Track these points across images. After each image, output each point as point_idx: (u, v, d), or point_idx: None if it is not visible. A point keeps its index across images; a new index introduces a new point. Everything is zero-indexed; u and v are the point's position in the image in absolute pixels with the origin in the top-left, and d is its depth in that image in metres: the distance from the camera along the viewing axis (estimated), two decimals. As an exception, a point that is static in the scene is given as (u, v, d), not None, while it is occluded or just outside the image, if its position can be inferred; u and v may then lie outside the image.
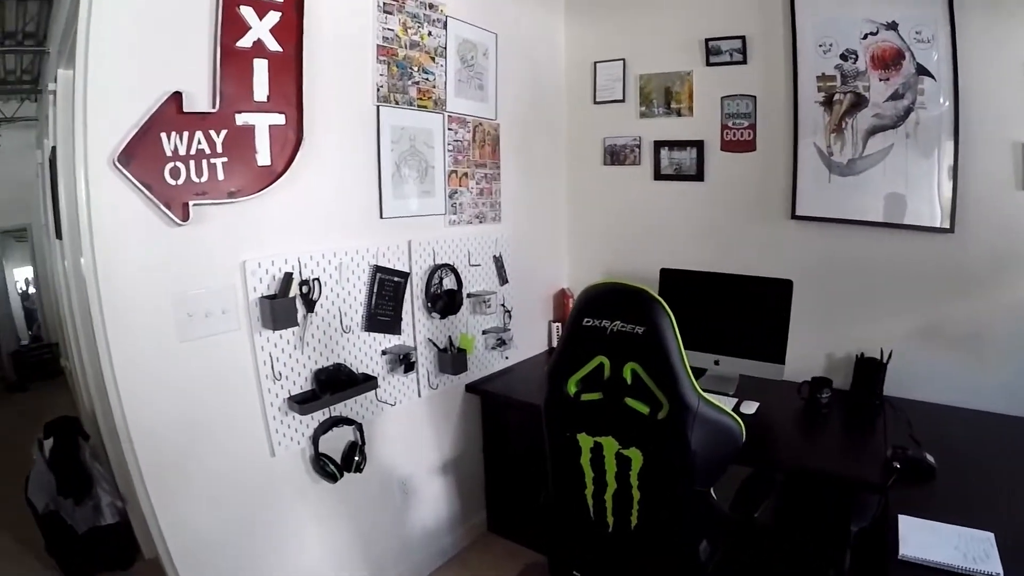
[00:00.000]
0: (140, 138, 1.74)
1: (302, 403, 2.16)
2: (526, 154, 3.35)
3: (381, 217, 2.52)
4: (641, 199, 3.43)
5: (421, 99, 2.65)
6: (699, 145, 3.18)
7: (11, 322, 6.50)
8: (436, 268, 2.74)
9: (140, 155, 1.75)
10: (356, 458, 2.36)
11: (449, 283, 2.84)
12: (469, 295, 2.96)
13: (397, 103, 2.54)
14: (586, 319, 1.70)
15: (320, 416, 2.29)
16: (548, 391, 1.84)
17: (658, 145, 3.32)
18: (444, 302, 2.75)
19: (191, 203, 1.87)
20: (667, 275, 3.03)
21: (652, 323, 1.59)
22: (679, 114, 3.23)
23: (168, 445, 1.89)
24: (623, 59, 3.38)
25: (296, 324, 2.15)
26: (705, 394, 1.64)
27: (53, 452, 3.15)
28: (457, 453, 3.08)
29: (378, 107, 2.46)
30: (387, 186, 2.52)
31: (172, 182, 1.82)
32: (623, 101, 3.42)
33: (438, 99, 2.74)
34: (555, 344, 3.57)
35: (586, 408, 1.75)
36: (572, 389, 1.76)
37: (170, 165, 1.81)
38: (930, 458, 1.99)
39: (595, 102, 3.52)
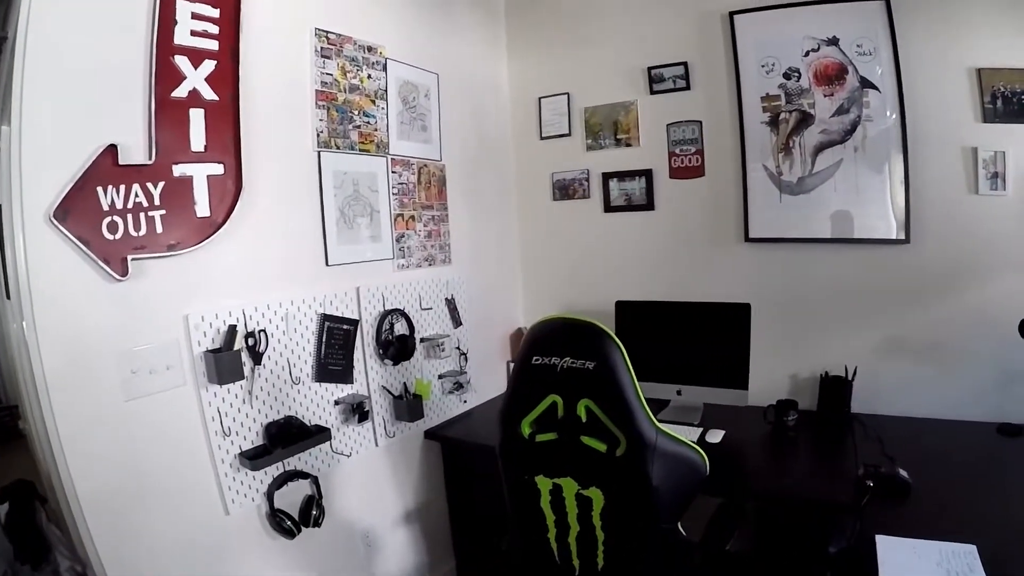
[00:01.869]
0: (76, 192, 1.74)
1: (253, 459, 2.15)
2: (474, 193, 3.38)
3: (327, 264, 2.53)
4: (593, 232, 3.48)
5: (363, 143, 2.69)
6: (647, 174, 3.26)
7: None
8: (386, 314, 2.75)
9: (76, 210, 1.74)
10: (314, 512, 2.33)
11: (400, 328, 2.85)
12: (422, 339, 2.97)
13: (338, 148, 2.57)
14: (535, 357, 1.70)
15: (274, 471, 2.27)
16: (501, 434, 1.84)
17: (606, 177, 3.38)
18: (396, 348, 2.75)
19: (130, 258, 1.86)
20: (623, 307, 3.08)
21: (602, 357, 1.59)
22: (626, 144, 3.32)
23: (117, 508, 1.86)
24: (567, 93, 3.47)
25: (243, 377, 2.14)
26: (663, 426, 1.65)
27: (9, 517, 3.00)
28: (421, 501, 3.05)
29: (319, 152, 2.49)
30: (332, 233, 2.54)
31: (110, 236, 1.82)
32: (569, 135, 3.49)
33: (380, 142, 2.78)
34: None
35: (542, 449, 1.74)
36: (526, 430, 1.75)
37: (107, 219, 1.81)
38: (904, 473, 2.01)
39: (541, 137, 3.60)
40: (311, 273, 2.49)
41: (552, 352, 1.67)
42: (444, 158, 3.16)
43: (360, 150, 2.68)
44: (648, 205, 3.28)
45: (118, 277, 1.84)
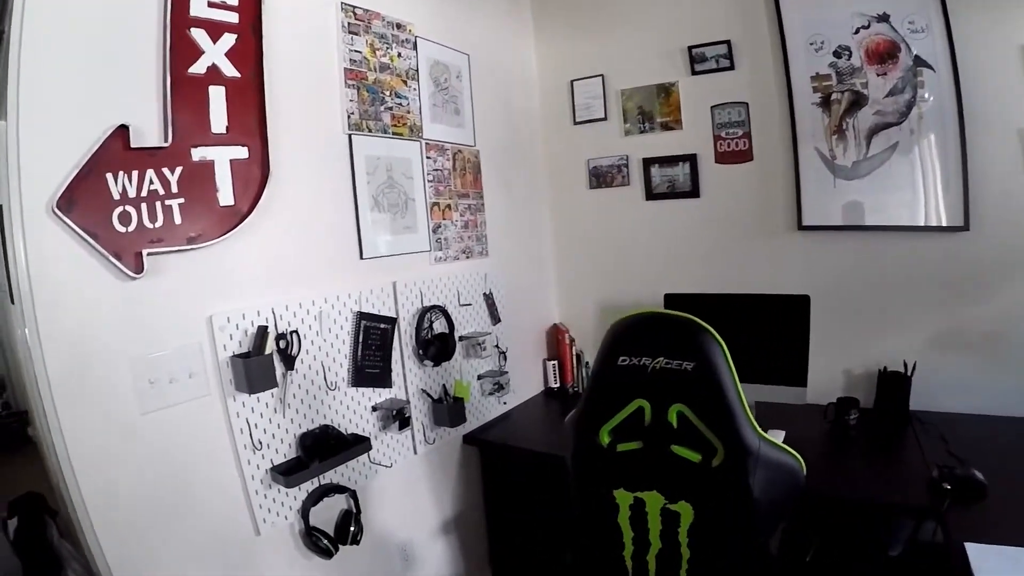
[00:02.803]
0: (82, 180, 1.55)
1: (287, 474, 1.94)
2: (508, 181, 3.22)
3: (361, 257, 2.34)
4: (634, 221, 3.30)
5: (396, 126, 2.49)
6: (692, 159, 3.06)
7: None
8: (425, 311, 2.55)
9: (83, 199, 1.56)
10: (352, 528, 2.14)
11: (440, 326, 2.65)
12: (461, 338, 2.78)
13: (370, 131, 2.37)
14: (621, 357, 1.53)
15: (308, 486, 2.07)
16: (576, 443, 1.67)
17: (647, 163, 3.19)
18: (437, 348, 2.55)
19: (145, 252, 1.66)
20: (673, 301, 2.87)
21: (703, 357, 1.43)
22: (667, 128, 3.12)
23: (135, 533, 1.67)
24: (601, 75, 3.28)
25: (275, 385, 1.93)
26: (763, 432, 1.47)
27: (18, 533, 2.90)
28: (459, 510, 2.88)
29: (350, 136, 2.29)
30: (366, 222, 2.34)
31: (122, 229, 1.62)
32: (605, 119, 3.30)
33: (414, 125, 2.58)
34: (552, 384, 3.43)
35: (623, 460, 1.58)
36: (605, 439, 1.59)
37: (118, 210, 1.62)
38: (979, 475, 1.86)
39: (575, 122, 3.40)
40: (345, 267, 2.29)
41: (642, 351, 1.50)
42: (478, 143, 2.98)
43: (393, 133, 2.48)
44: (693, 192, 3.09)
45: (132, 274, 1.64)
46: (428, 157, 2.65)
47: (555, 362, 3.42)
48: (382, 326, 2.37)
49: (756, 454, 1.42)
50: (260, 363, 1.86)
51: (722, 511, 1.49)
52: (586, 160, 3.39)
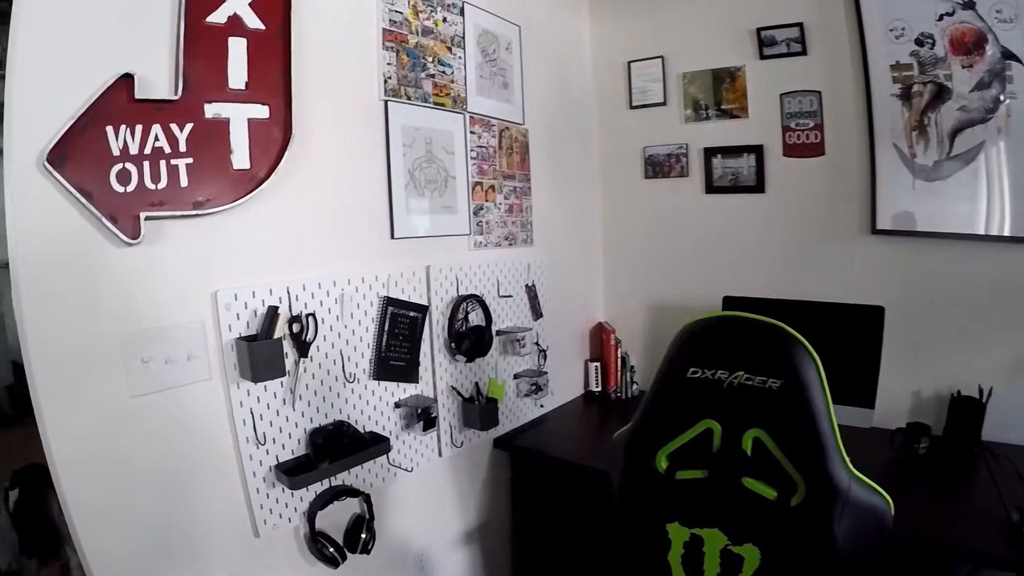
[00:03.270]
0: (78, 132, 1.38)
1: (292, 473, 1.74)
2: (557, 166, 3.00)
3: (392, 237, 2.13)
4: (691, 216, 3.06)
5: (438, 95, 2.28)
6: (757, 151, 2.83)
7: (7, 354, 6.22)
8: (461, 300, 2.34)
9: (78, 154, 1.38)
10: (363, 535, 1.94)
11: (476, 318, 2.43)
12: (499, 332, 2.56)
13: (409, 99, 2.17)
14: (692, 369, 1.30)
15: (318, 486, 1.87)
16: (626, 465, 1.45)
17: (709, 153, 2.96)
18: (471, 341, 2.34)
19: (143, 215, 1.48)
20: (732, 305, 2.65)
21: (793, 373, 1.20)
22: (732, 116, 2.89)
23: (119, 530, 1.49)
24: (661, 57, 3.05)
25: (284, 373, 1.72)
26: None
27: (17, 505, 2.84)
28: (483, 519, 2.66)
29: (386, 102, 2.09)
30: (399, 199, 2.13)
31: (119, 188, 1.44)
32: (664, 104, 3.08)
33: (457, 96, 2.37)
34: (593, 388, 3.20)
35: (683, 490, 1.37)
36: (663, 465, 1.38)
37: (117, 167, 1.44)
38: None
39: (631, 107, 3.18)
40: (373, 246, 2.09)
41: (719, 363, 1.28)
42: (527, 122, 2.76)
43: (434, 103, 2.27)
44: (758, 187, 2.85)
45: (127, 239, 1.45)
46: (472, 132, 2.45)
47: (597, 364, 3.19)
48: (411, 314, 2.16)
49: (845, 495, 1.19)
50: (267, 348, 1.65)
51: (795, 560, 1.25)
52: (642, 148, 3.17)
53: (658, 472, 1.37)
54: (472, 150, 2.44)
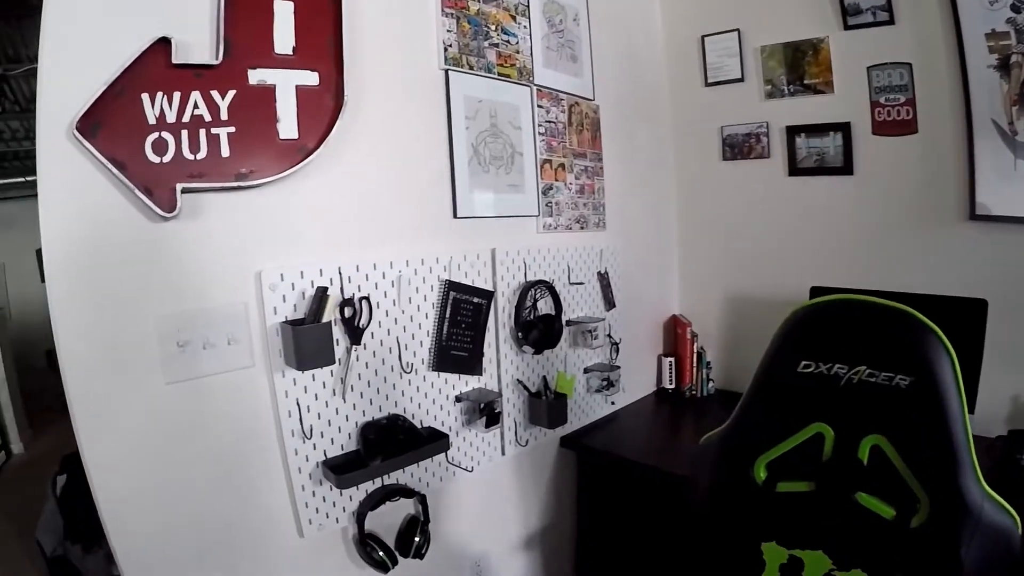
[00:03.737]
0: (112, 99, 1.28)
1: (340, 471, 1.60)
2: (629, 145, 2.81)
3: (455, 216, 1.98)
4: (774, 200, 2.85)
5: (502, 65, 2.12)
6: (844, 129, 2.61)
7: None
8: (529, 286, 2.17)
9: (111, 122, 1.29)
10: (417, 539, 1.80)
11: (545, 306, 2.26)
12: (569, 322, 2.38)
13: (471, 68, 2.01)
14: (804, 362, 1.12)
15: (369, 485, 1.74)
16: (716, 473, 1.28)
17: (792, 131, 2.75)
18: (540, 332, 2.17)
19: (180, 187, 1.36)
20: (819, 295, 2.36)
21: (927, 370, 1.01)
22: (816, 91, 2.67)
23: (152, 525, 1.39)
24: (737, 30, 2.85)
25: (331, 361, 1.58)
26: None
27: (65, 490, 2.92)
28: (545, 523, 2.49)
29: (447, 71, 1.94)
30: (462, 175, 1.98)
31: (155, 159, 1.34)
32: (742, 80, 2.88)
33: (523, 68, 2.20)
34: (666, 385, 2.99)
35: (783, 505, 1.20)
36: (761, 474, 1.21)
37: (153, 136, 1.34)
38: None
39: (706, 84, 2.99)
40: (434, 226, 1.94)
41: (837, 355, 1.10)
42: (597, 98, 2.58)
43: (499, 74, 2.11)
44: (845, 168, 2.63)
45: (163, 213, 1.34)
46: (540, 106, 2.28)
47: (672, 359, 2.98)
48: (475, 300, 2.00)
49: (977, 516, 0.99)
50: (315, 333, 1.51)
51: (912, 588, 1.05)
52: (719, 127, 2.98)
53: (755, 483, 1.19)
54: (540, 125, 2.28)
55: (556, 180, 2.35)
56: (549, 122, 2.32)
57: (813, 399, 1.12)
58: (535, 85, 2.25)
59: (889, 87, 2.50)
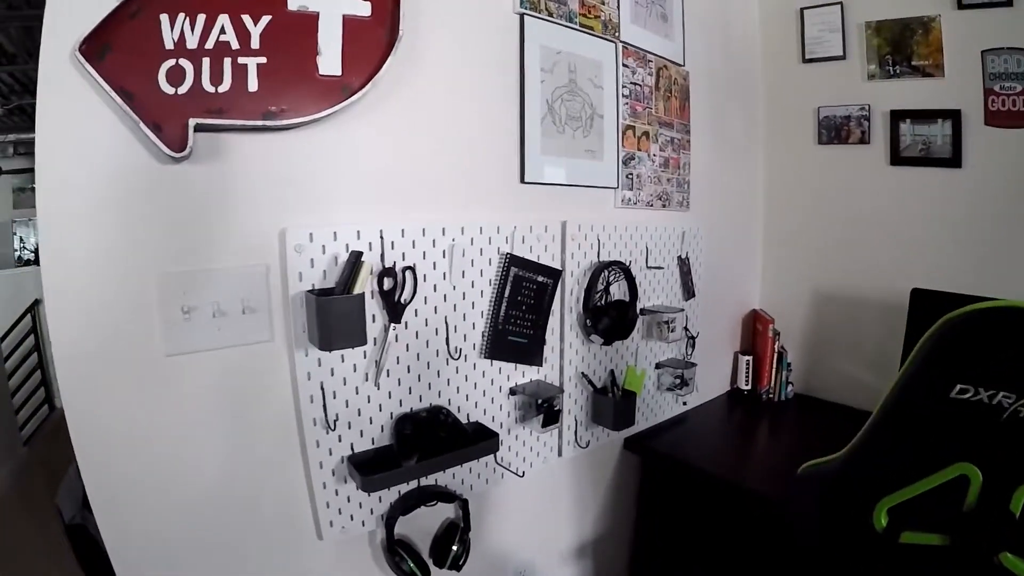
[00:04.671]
0: (124, 19, 1.10)
1: (368, 470, 1.37)
2: (718, 120, 2.58)
3: (522, 181, 1.74)
4: (872, 190, 2.62)
5: (585, 16, 1.86)
6: (954, 116, 2.38)
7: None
8: (602, 267, 1.91)
9: (121, 45, 1.10)
10: (455, 547, 1.59)
11: (618, 291, 2.01)
12: (644, 311, 2.12)
13: (551, 15, 1.76)
14: (960, 386, 0.87)
15: (403, 486, 1.52)
16: (822, 512, 1.07)
17: (896, 116, 2.52)
18: (611, 319, 1.91)
19: (193, 123, 1.14)
20: (922, 299, 2.23)
21: None
22: (924, 74, 2.45)
23: (145, 524, 1.22)
24: (840, 2, 2.64)
25: (362, 341, 1.34)
26: None
27: None
28: (599, 532, 2.27)
29: (522, 16, 1.69)
30: (533, 134, 1.73)
31: (169, 90, 1.14)
32: (843, 58, 2.65)
33: (609, 21, 1.94)
34: (742, 385, 2.74)
35: (908, 560, 0.97)
36: (882, 520, 0.98)
37: (169, 63, 1.14)
38: None
39: (803, 60, 2.75)
40: (497, 190, 1.71)
41: (1004, 381, 0.85)
42: (687, 63, 2.33)
43: (581, 25, 1.85)
44: (954, 160, 2.41)
45: (171, 153, 1.13)
46: (625, 65, 2.02)
47: (749, 358, 2.74)
48: (539, 279, 1.76)
49: None
50: (344, 307, 1.28)
51: None
52: (815, 108, 2.75)
53: (874, 529, 0.96)
54: (624, 87, 2.02)
55: (639, 150, 2.09)
56: (634, 84, 2.05)
57: (963, 433, 0.88)
58: (621, 41, 1.99)
59: (1005, 74, 2.30)
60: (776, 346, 2.69)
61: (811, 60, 2.74)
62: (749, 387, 2.74)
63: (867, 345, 2.52)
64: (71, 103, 1.07)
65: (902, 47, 2.50)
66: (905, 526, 0.96)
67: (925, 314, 2.16)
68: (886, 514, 0.95)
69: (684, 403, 2.46)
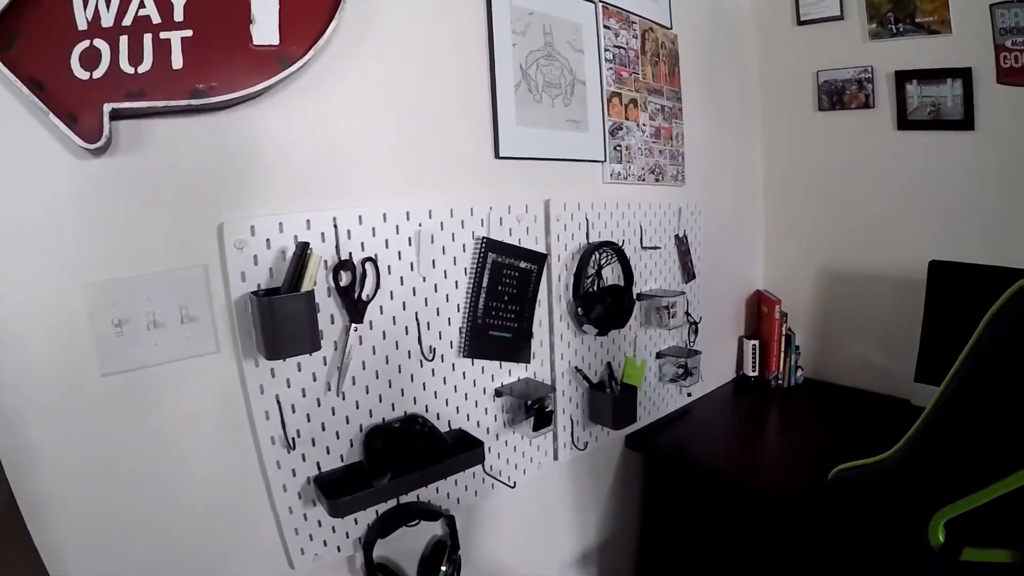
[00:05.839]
0: (31, 3, 1.01)
1: (335, 493, 1.27)
2: (710, 87, 2.53)
3: (497, 156, 1.66)
4: (879, 157, 2.58)
5: (560, -28, 1.78)
6: (964, 75, 2.35)
7: None
8: (592, 249, 1.83)
9: (29, 30, 1.02)
10: (443, 568, 1.51)
11: (612, 275, 1.93)
12: (640, 296, 2.05)
13: (520, -30, 1.67)
14: None
15: (380, 505, 1.43)
16: (871, 530, 0.99)
17: (901, 77, 2.48)
18: (605, 307, 1.84)
19: (108, 109, 1.04)
20: (940, 272, 2.21)
21: None
22: (930, 31, 2.41)
23: (91, 566, 1.11)
24: None
25: (316, 347, 1.24)
26: None
27: None
28: (602, 539, 2.22)
29: (486, -29, 1.61)
30: (507, 103, 1.65)
31: (83, 75, 1.05)
32: (842, 18, 2.62)
33: (588, -22, 1.87)
34: (748, 372, 2.70)
35: None
36: (939, 535, 0.90)
37: (83, 45, 1.06)
38: None
39: (799, 22, 2.73)
40: (469, 167, 1.62)
41: None
42: (675, 26, 2.28)
43: (553, -17, 1.78)
44: (966, 122, 2.38)
45: (85, 145, 1.03)
46: (607, 27, 1.95)
47: (755, 343, 2.71)
48: (522, 265, 1.68)
49: None
50: (289, 307, 1.17)
51: None
52: (814, 72, 2.72)
53: (929, 545, 0.87)
54: (607, 50, 1.95)
55: (627, 119, 2.02)
56: (618, 47, 1.99)
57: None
58: (601, 1, 1.92)
59: (1016, 28, 2.26)
60: (783, 328, 2.66)
61: (806, 21, 2.71)
62: (756, 373, 2.72)
63: (880, 324, 2.48)
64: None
65: (905, 3, 2.46)
66: (967, 541, 0.89)
67: (948, 287, 2.16)
68: (943, 528, 0.87)
69: (689, 394, 2.42)
